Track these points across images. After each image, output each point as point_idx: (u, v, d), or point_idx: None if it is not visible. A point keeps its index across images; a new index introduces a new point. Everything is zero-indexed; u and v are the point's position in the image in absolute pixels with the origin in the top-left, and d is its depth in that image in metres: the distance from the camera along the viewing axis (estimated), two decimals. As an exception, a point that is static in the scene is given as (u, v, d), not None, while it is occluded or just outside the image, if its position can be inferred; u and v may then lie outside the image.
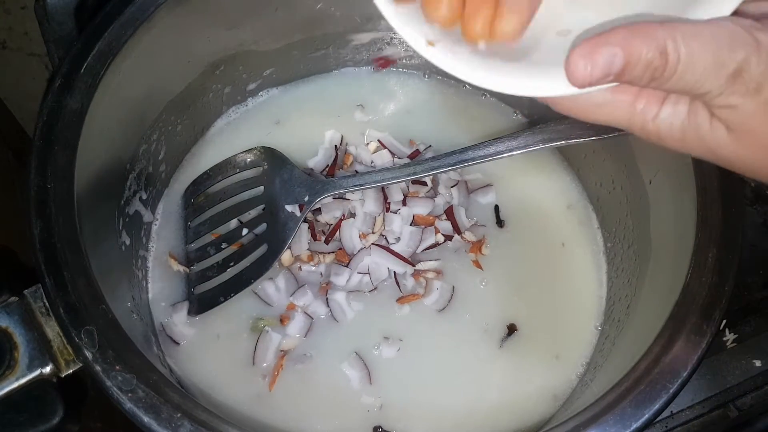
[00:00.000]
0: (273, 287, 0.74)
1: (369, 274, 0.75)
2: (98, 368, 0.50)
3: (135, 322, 0.66)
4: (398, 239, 0.77)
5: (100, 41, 0.63)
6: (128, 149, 0.71)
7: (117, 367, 0.50)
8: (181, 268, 0.75)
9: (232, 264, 0.73)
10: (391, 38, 0.87)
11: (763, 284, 0.81)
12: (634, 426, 0.51)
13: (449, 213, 0.78)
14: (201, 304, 0.72)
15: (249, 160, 0.79)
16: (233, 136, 0.85)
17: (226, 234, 0.76)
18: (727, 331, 0.75)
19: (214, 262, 0.74)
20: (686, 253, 0.58)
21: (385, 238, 0.77)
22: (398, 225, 0.77)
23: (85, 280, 0.54)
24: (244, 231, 0.75)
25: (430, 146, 0.85)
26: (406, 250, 0.76)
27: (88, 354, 0.51)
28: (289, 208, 0.72)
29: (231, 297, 0.71)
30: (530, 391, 0.71)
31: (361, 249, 0.75)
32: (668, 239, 0.66)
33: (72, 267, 0.54)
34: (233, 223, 0.77)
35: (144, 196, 0.75)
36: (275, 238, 0.72)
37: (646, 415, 0.51)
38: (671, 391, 0.52)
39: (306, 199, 0.72)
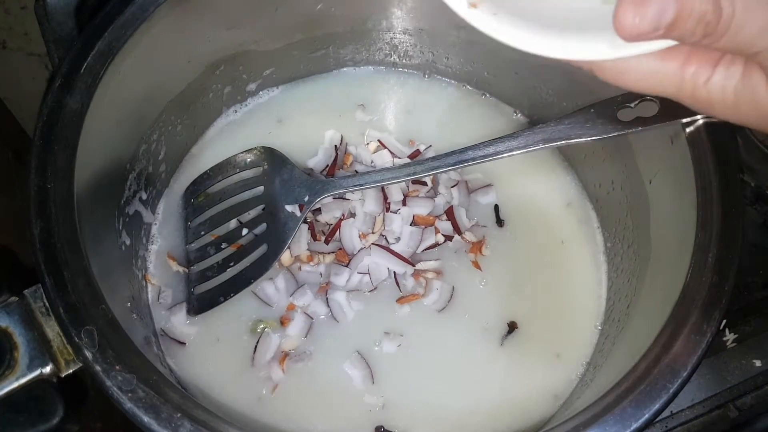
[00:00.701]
0: (272, 287, 0.74)
1: (369, 274, 0.75)
2: (98, 368, 0.50)
3: (135, 322, 0.66)
4: (398, 239, 0.77)
5: (100, 41, 0.63)
6: (128, 149, 0.71)
7: (117, 367, 0.50)
8: (181, 269, 0.75)
9: (232, 264, 0.73)
10: (392, 38, 0.87)
11: (763, 284, 0.81)
12: (634, 426, 0.51)
13: (449, 213, 0.78)
14: (201, 304, 0.72)
15: (249, 160, 0.79)
16: (233, 136, 0.85)
17: (226, 234, 0.76)
18: (727, 331, 0.75)
19: (213, 262, 0.74)
20: (686, 253, 0.58)
21: (385, 238, 0.77)
22: (398, 225, 0.77)
23: (85, 280, 0.54)
24: (244, 231, 0.75)
25: (431, 146, 0.85)
26: (406, 250, 0.76)
27: (88, 354, 0.51)
28: (289, 208, 0.72)
29: (231, 297, 0.71)
30: (531, 391, 0.71)
31: (361, 249, 0.75)
32: (668, 239, 0.66)
33: (72, 267, 0.54)
34: (233, 223, 0.77)
35: (144, 196, 0.75)
36: (275, 238, 0.72)
37: (646, 415, 0.51)
38: (671, 391, 0.52)
39: (306, 199, 0.72)
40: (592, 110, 0.64)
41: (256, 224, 0.75)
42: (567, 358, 0.73)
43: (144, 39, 0.65)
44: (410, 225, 0.77)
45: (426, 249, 0.77)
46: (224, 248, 0.75)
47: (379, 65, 0.91)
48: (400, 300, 0.74)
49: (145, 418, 0.49)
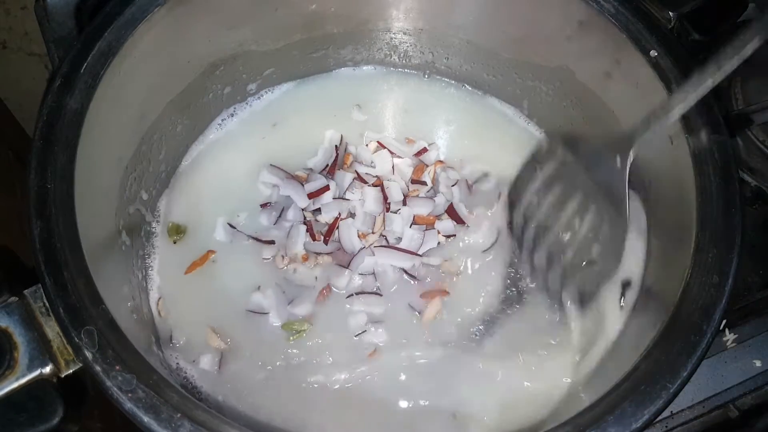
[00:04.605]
0: (260, 296, 0.73)
1: (375, 275, 0.74)
2: (98, 368, 0.50)
3: (135, 322, 0.66)
4: (399, 239, 0.76)
5: (100, 41, 0.63)
6: (128, 149, 0.71)
7: (117, 367, 0.50)
8: (223, 344, 0.72)
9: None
10: (391, 38, 0.87)
11: (763, 284, 0.81)
12: (634, 426, 0.51)
13: (450, 212, 0.78)
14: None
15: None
16: (233, 136, 0.85)
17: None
18: (727, 331, 0.75)
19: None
20: (686, 253, 0.58)
21: (386, 239, 0.77)
22: (399, 225, 0.77)
23: (85, 280, 0.54)
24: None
25: (434, 143, 0.85)
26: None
27: (88, 354, 0.51)
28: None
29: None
30: (530, 391, 0.71)
31: (362, 249, 0.75)
32: (668, 239, 0.66)
33: (72, 267, 0.54)
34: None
35: (144, 196, 0.75)
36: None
37: (646, 415, 0.51)
38: (671, 391, 0.52)
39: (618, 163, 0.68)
40: None
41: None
42: (565, 359, 0.73)
43: (144, 39, 0.65)
44: (410, 226, 0.77)
45: (427, 251, 0.77)
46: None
47: (379, 65, 0.91)
48: (425, 295, 0.74)
49: (145, 418, 0.49)
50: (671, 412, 0.72)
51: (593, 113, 0.77)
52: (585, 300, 0.73)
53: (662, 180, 0.68)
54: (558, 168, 0.76)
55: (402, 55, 0.90)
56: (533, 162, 0.78)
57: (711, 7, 0.73)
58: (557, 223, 0.74)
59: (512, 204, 0.79)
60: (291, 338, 0.72)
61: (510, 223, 0.79)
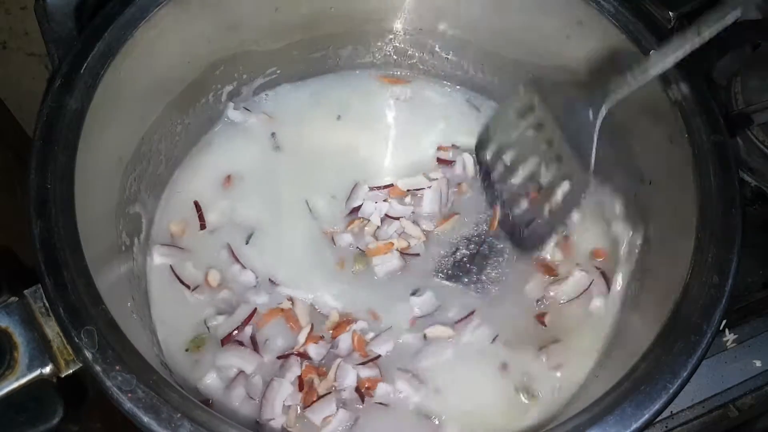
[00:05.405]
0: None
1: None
2: (98, 368, 0.50)
3: (135, 322, 0.66)
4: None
5: (100, 41, 0.63)
6: (128, 149, 0.71)
7: (117, 367, 0.50)
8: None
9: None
10: (391, 39, 0.87)
11: (763, 284, 0.81)
12: (634, 426, 0.51)
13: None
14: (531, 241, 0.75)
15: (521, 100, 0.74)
16: (233, 136, 0.85)
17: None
18: (727, 331, 0.76)
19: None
20: (686, 253, 0.58)
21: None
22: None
23: (85, 280, 0.54)
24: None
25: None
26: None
27: (88, 354, 0.51)
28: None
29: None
30: (530, 391, 0.71)
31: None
32: (668, 239, 0.66)
33: (72, 267, 0.54)
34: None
35: (144, 197, 0.75)
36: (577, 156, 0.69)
37: (646, 415, 0.51)
38: (671, 391, 0.52)
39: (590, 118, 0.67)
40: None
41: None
42: (566, 359, 0.73)
43: (144, 39, 0.65)
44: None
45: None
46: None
47: (379, 66, 0.91)
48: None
49: (145, 418, 0.49)
50: (671, 412, 0.72)
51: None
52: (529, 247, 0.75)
53: (662, 180, 0.68)
54: (531, 117, 0.73)
55: (402, 55, 0.90)
56: (507, 109, 0.76)
57: (711, 7, 0.73)
58: (526, 172, 0.75)
59: (482, 153, 0.79)
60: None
61: (481, 172, 0.80)
